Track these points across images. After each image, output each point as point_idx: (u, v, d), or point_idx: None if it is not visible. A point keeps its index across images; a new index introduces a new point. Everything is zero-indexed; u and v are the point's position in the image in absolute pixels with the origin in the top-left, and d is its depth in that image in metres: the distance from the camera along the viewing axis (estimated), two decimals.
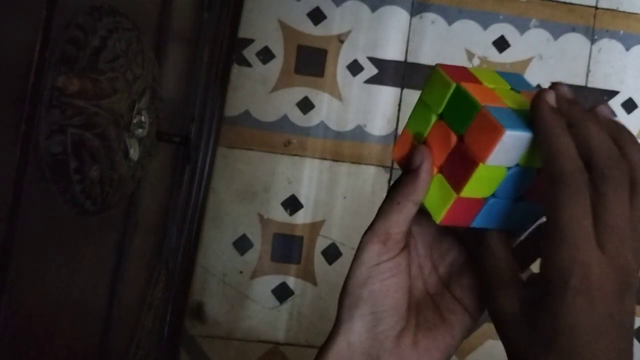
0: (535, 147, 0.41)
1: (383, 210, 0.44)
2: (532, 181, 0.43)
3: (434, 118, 0.45)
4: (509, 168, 0.42)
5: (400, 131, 1.43)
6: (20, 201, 0.45)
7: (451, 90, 0.43)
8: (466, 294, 0.47)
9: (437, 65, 0.45)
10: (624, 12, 1.49)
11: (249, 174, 1.39)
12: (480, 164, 0.40)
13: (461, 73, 0.45)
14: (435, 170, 0.44)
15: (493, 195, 0.43)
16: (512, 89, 0.45)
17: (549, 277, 0.38)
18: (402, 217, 0.43)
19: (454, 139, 0.43)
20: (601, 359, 0.37)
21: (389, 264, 0.43)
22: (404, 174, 0.44)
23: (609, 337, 0.37)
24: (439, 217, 0.43)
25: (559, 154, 0.38)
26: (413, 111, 0.47)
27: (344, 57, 1.42)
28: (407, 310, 0.45)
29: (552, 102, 0.41)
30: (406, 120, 0.48)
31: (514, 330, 0.40)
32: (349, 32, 1.43)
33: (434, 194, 0.44)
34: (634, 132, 1.48)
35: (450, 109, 0.44)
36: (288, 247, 1.40)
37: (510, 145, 0.40)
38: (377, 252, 0.43)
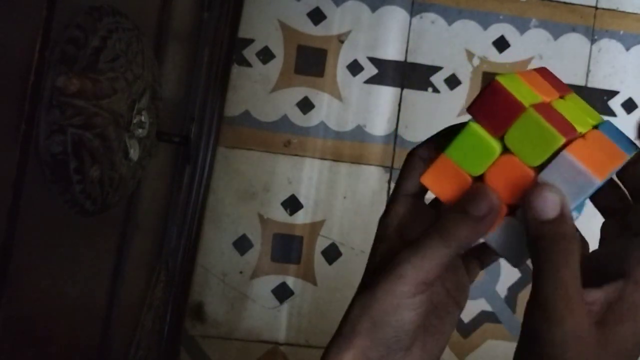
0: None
1: (427, 249, 0.39)
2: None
3: (497, 149, 0.38)
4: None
5: (400, 132, 1.42)
6: (20, 201, 0.45)
7: (521, 117, 0.37)
8: (460, 290, 0.46)
9: (496, 81, 0.38)
10: (624, 12, 1.49)
11: (249, 174, 1.39)
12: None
13: (518, 87, 0.38)
14: (505, 209, 0.39)
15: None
16: (560, 96, 0.41)
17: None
18: (447, 260, 0.40)
19: (531, 176, 0.37)
20: None
21: (422, 296, 0.40)
22: (459, 215, 0.39)
23: None
24: (519, 264, 0.40)
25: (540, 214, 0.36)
26: (459, 137, 0.39)
27: (344, 57, 1.42)
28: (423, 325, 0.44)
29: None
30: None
31: None
32: (349, 32, 1.43)
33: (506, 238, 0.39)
34: (634, 132, 1.49)
35: (519, 137, 0.37)
36: (288, 247, 1.40)
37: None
38: (415, 288, 0.40)
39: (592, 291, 0.37)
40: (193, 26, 1.10)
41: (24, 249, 0.48)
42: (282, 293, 1.39)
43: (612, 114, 1.49)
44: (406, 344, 0.42)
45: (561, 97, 0.41)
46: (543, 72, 0.42)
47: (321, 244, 1.40)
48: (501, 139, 0.38)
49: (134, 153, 0.64)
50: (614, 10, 1.49)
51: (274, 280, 1.39)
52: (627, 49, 1.49)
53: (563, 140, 0.35)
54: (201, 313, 1.37)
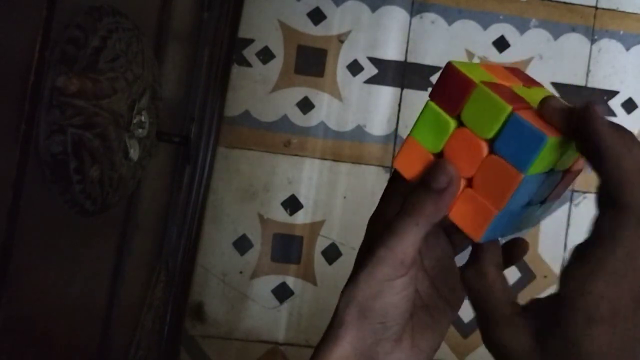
0: (567, 149, 0.39)
1: (399, 229, 0.41)
2: (560, 181, 0.42)
3: (452, 124, 0.40)
4: (546, 173, 0.40)
5: (400, 132, 1.42)
6: (20, 201, 0.45)
7: (473, 93, 0.39)
8: (452, 292, 0.47)
9: (450, 63, 0.41)
10: (623, 12, 1.49)
11: (249, 174, 1.39)
12: (522, 175, 0.38)
13: (475, 71, 0.41)
14: (463, 183, 0.40)
15: (529, 203, 0.41)
16: (524, 85, 0.43)
17: (567, 304, 0.36)
18: (420, 237, 0.41)
19: (484, 148, 0.39)
20: None
21: (403, 279, 0.41)
22: (422, 191, 0.41)
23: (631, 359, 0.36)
24: (479, 235, 0.40)
25: (629, 183, 0.35)
26: (420, 118, 0.42)
27: (344, 57, 1.42)
28: (411, 315, 0.44)
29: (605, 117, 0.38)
30: (410, 125, 0.43)
31: None
32: (349, 32, 1.43)
33: (467, 210, 0.40)
34: (635, 132, 1.49)
35: (472, 112, 0.39)
36: (288, 247, 1.40)
37: (550, 151, 0.38)
38: (393, 269, 0.41)
39: (533, 302, 0.40)
40: (193, 26, 1.10)
41: (24, 249, 0.48)
42: (282, 293, 1.39)
43: (612, 114, 1.49)
44: (395, 333, 0.43)
45: (525, 86, 0.43)
46: (512, 69, 0.44)
47: (321, 244, 1.40)
48: (459, 118, 0.40)
49: (134, 153, 0.64)
50: (614, 10, 1.49)
51: (274, 280, 1.39)
52: (627, 49, 1.49)
53: (510, 109, 0.37)
54: (201, 313, 1.37)
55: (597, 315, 0.35)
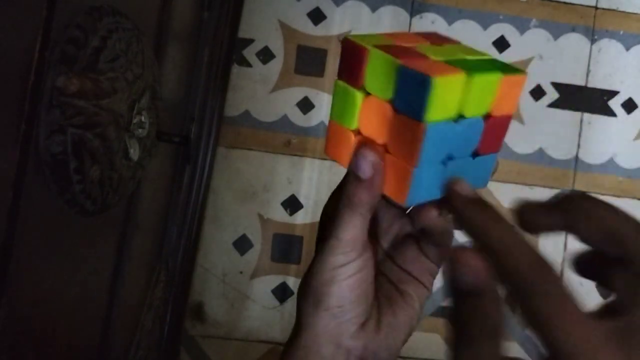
0: (473, 90, 0.37)
1: (344, 219, 0.41)
2: (484, 130, 0.40)
3: (359, 95, 0.40)
4: (455, 121, 0.38)
5: None
6: (20, 201, 0.45)
7: (368, 59, 0.39)
8: (414, 265, 0.46)
9: (346, 37, 0.40)
10: (623, 12, 1.49)
11: (249, 174, 1.39)
12: (423, 124, 0.36)
13: (373, 39, 0.40)
14: (382, 150, 0.40)
15: (449, 158, 0.39)
16: (432, 43, 0.42)
17: None
18: (365, 222, 0.41)
19: (389, 110, 0.38)
20: None
21: (355, 263, 0.42)
22: (353, 181, 0.41)
23: None
24: (403, 198, 0.39)
25: (504, 256, 0.32)
26: (333, 100, 0.42)
27: None
28: (372, 299, 0.44)
29: (467, 192, 0.36)
30: (330, 112, 0.43)
31: None
32: (349, 32, 1.43)
33: (389, 176, 0.40)
34: (635, 132, 1.49)
35: (372, 78, 0.39)
36: (288, 247, 1.40)
37: (445, 94, 0.36)
38: (343, 256, 0.42)
39: None
40: (193, 26, 1.10)
41: (24, 249, 0.48)
42: (282, 293, 1.39)
43: (612, 114, 1.49)
44: (357, 316, 0.43)
45: (436, 44, 0.42)
46: (427, 34, 0.43)
47: None
48: (364, 89, 0.40)
49: (134, 153, 0.64)
50: (614, 10, 1.49)
51: (274, 280, 1.39)
52: (627, 49, 1.49)
53: (398, 62, 0.36)
54: (201, 313, 1.37)
55: None
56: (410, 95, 0.37)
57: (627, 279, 0.33)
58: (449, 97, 0.37)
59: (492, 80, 0.38)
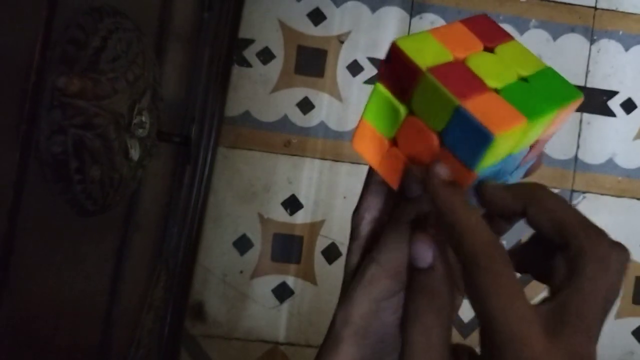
0: (531, 130, 0.35)
1: (391, 241, 0.39)
2: (528, 151, 0.38)
3: (402, 111, 0.36)
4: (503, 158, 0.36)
5: None
6: (21, 201, 0.45)
7: (420, 81, 0.34)
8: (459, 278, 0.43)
9: (395, 44, 0.35)
10: (623, 12, 1.49)
11: (249, 174, 1.39)
12: (474, 173, 0.34)
13: (425, 47, 0.35)
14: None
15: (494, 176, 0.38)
16: (486, 46, 0.38)
17: None
18: (407, 246, 0.38)
19: (435, 140, 0.35)
20: None
21: (398, 296, 0.39)
22: (404, 202, 0.38)
23: None
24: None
25: (463, 233, 0.33)
26: (370, 100, 0.38)
27: (344, 58, 1.42)
28: None
29: (445, 175, 0.36)
30: (364, 110, 0.39)
31: None
32: (348, 33, 1.43)
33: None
34: (634, 132, 1.49)
35: (421, 102, 0.35)
36: (288, 247, 1.40)
37: (502, 144, 0.34)
38: (387, 287, 0.39)
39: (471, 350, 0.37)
40: (193, 27, 1.10)
41: (25, 249, 0.48)
42: (282, 293, 1.40)
43: (612, 114, 1.49)
44: (395, 346, 0.40)
45: (489, 48, 0.38)
46: (473, 21, 0.39)
47: (321, 243, 1.40)
48: (409, 103, 0.36)
49: (135, 153, 0.64)
50: (613, 10, 1.49)
51: (274, 280, 1.39)
52: (627, 49, 1.49)
53: (457, 103, 0.33)
54: (201, 313, 1.37)
55: None
56: (465, 140, 0.34)
57: (563, 265, 0.34)
58: (506, 144, 0.35)
59: (551, 116, 0.36)
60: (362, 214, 0.43)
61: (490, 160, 0.35)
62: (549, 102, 0.36)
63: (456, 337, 1.38)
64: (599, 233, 0.34)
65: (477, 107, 0.33)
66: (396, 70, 0.35)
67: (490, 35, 0.38)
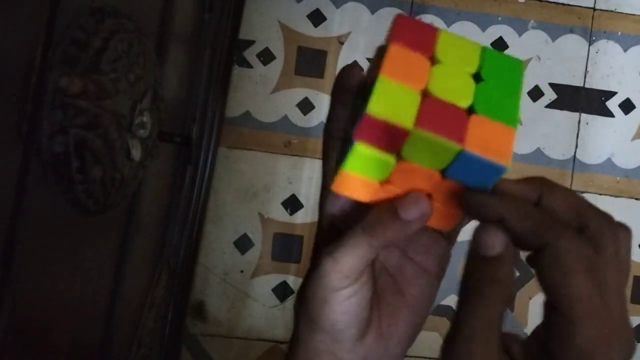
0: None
1: (351, 243, 0.38)
2: None
3: (393, 162, 0.36)
4: None
5: None
6: (23, 201, 0.45)
7: (409, 137, 0.34)
8: (428, 257, 0.44)
9: (369, 113, 0.33)
10: (621, 13, 1.49)
11: (250, 174, 1.40)
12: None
13: (395, 97, 0.34)
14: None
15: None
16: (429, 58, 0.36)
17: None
18: (370, 257, 0.39)
19: (436, 175, 0.36)
20: None
21: (351, 288, 0.39)
22: (387, 215, 0.38)
23: None
24: (448, 228, 0.39)
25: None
26: (349, 158, 0.36)
27: (344, 59, 1.43)
28: (370, 312, 0.41)
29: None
30: (343, 164, 0.37)
31: None
32: (348, 34, 1.43)
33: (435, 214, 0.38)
34: (632, 132, 1.49)
35: (415, 151, 0.35)
36: (288, 247, 1.40)
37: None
38: (340, 281, 0.39)
39: (518, 347, 0.37)
40: (194, 27, 1.11)
41: (26, 249, 0.48)
42: (283, 292, 1.40)
43: (610, 114, 1.49)
44: (352, 334, 0.41)
45: (431, 58, 0.37)
46: (400, 33, 0.37)
47: None
48: (399, 153, 0.36)
49: (136, 153, 0.64)
50: (611, 11, 1.49)
51: (275, 279, 1.40)
52: (625, 50, 1.50)
53: (460, 148, 0.33)
54: (202, 312, 1.38)
55: None
56: (473, 172, 0.35)
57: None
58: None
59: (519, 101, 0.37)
60: (324, 207, 0.43)
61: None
62: (512, 91, 0.36)
63: None
64: (607, 215, 0.37)
65: (475, 143, 0.34)
66: (379, 133, 0.34)
67: (422, 41, 0.37)
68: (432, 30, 0.37)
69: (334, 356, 0.41)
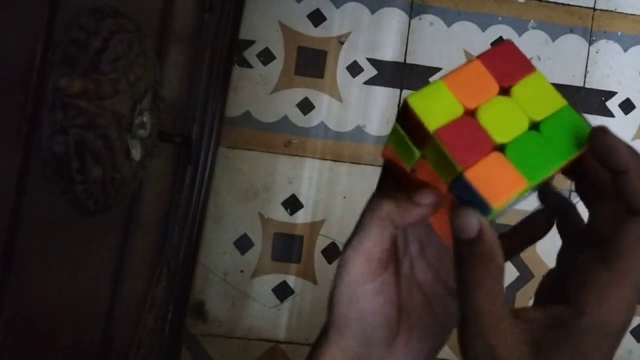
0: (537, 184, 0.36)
1: (364, 224, 0.40)
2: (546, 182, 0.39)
3: (417, 155, 0.38)
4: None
5: None
6: (23, 201, 0.45)
7: (429, 140, 0.36)
8: (443, 264, 0.45)
9: (406, 101, 0.36)
10: (621, 13, 1.49)
11: (250, 174, 1.40)
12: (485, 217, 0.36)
13: (437, 101, 0.36)
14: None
15: None
16: (501, 87, 0.37)
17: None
18: (384, 235, 0.40)
19: (444, 186, 0.37)
20: None
21: (374, 284, 0.40)
22: (392, 195, 0.40)
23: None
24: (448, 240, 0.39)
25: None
26: (390, 134, 0.39)
27: (344, 59, 1.43)
28: (398, 319, 0.42)
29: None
30: (389, 136, 0.40)
31: None
32: (348, 34, 1.43)
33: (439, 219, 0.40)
34: (632, 132, 1.49)
35: (431, 155, 0.37)
36: (288, 247, 1.40)
37: (504, 205, 0.35)
38: (361, 273, 0.39)
39: (533, 311, 0.37)
40: (194, 27, 1.11)
41: (26, 249, 0.48)
42: (283, 292, 1.40)
43: (610, 114, 1.49)
44: (382, 339, 0.41)
45: (505, 88, 0.37)
46: (495, 55, 0.38)
47: (321, 243, 1.40)
48: (424, 150, 0.37)
49: (136, 153, 0.64)
50: (611, 11, 1.49)
51: (275, 279, 1.40)
52: (625, 50, 1.50)
53: (459, 170, 0.34)
54: (202, 312, 1.38)
55: (612, 328, 0.35)
56: (469, 198, 0.35)
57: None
58: (508, 202, 0.35)
59: (557, 168, 0.36)
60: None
61: (501, 209, 0.35)
62: (556, 155, 0.36)
63: (455, 335, 1.38)
64: None
65: (478, 175, 0.34)
66: (409, 122, 0.36)
67: (510, 70, 0.37)
68: (528, 67, 0.37)
69: None
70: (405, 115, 0.36)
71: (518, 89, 0.37)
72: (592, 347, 0.34)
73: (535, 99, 0.37)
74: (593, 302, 0.35)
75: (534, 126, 0.36)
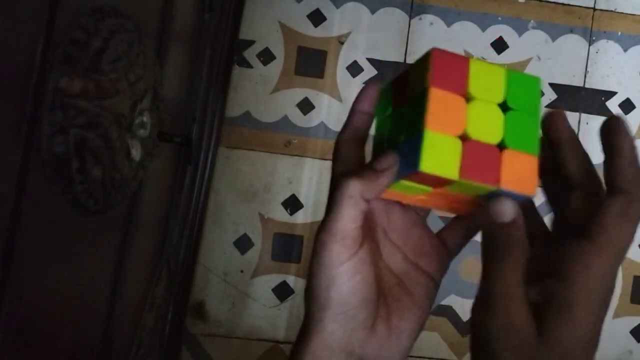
0: None
1: (335, 205, 0.41)
2: None
3: (429, 189, 0.42)
4: None
5: None
6: (23, 201, 0.45)
7: (452, 183, 0.40)
8: (430, 263, 0.47)
9: (420, 169, 0.38)
10: (621, 13, 1.49)
11: (250, 174, 1.40)
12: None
13: (440, 154, 0.39)
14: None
15: None
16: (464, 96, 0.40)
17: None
18: (356, 212, 0.41)
19: (473, 199, 0.42)
20: None
21: (350, 262, 0.41)
22: (359, 168, 0.43)
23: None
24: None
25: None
26: (394, 186, 0.43)
27: (344, 59, 1.43)
28: (376, 301, 0.43)
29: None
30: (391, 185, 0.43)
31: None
32: (348, 34, 1.43)
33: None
34: (632, 132, 1.49)
35: (458, 190, 0.41)
36: (288, 247, 1.40)
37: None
38: (336, 252, 0.41)
39: (530, 289, 0.40)
40: (194, 27, 1.11)
41: (26, 249, 0.48)
42: (283, 292, 1.40)
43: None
44: (363, 321, 0.42)
45: (466, 95, 0.40)
46: (438, 72, 0.41)
47: None
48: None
49: (136, 153, 0.64)
50: (611, 11, 1.49)
51: (275, 279, 1.40)
52: (625, 50, 1.50)
53: (495, 188, 0.39)
54: (202, 312, 1.38)
55: (598, 294, 0.38)
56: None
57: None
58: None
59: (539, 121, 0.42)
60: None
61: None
62: (532, 115, 0.41)
63: (455, 336, 1.38)
64: None
65: (509, 180, 0.39)
66: (426, 180, 0.39)
67: (457, 75, 0.41)
68: (465, 62, 0.41)
69: (348, 352, 0.42)
70: (418, 177, 0.40)
71: (472, 88, 0.40)
72: (584, 313, 0.38)
73: (487, 84, 0.41)
74: (581, 271, 0.38)
75: (503, 106, 0.40)
